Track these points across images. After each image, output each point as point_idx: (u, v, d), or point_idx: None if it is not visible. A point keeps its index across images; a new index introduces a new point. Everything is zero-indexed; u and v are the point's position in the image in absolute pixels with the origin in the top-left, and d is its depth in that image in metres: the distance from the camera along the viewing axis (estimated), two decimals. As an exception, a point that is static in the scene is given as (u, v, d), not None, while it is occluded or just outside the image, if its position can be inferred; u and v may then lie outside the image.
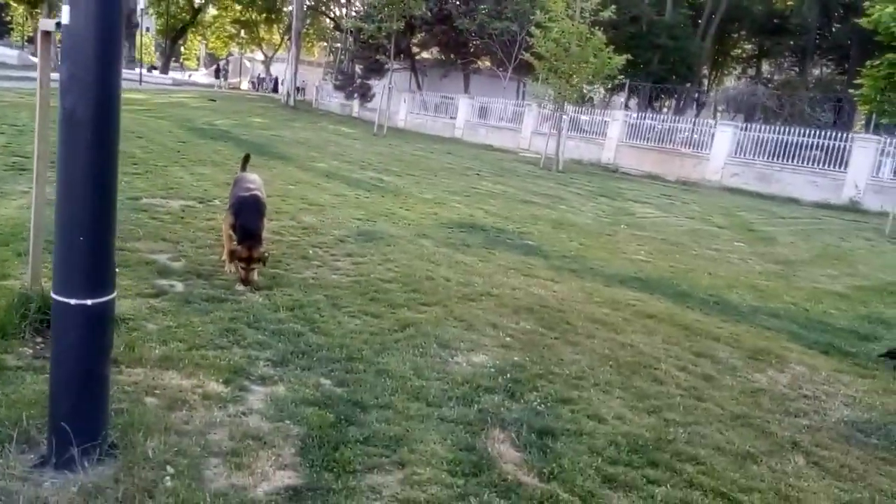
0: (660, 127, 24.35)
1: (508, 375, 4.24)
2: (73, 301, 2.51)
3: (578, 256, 8.49)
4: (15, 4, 44.58)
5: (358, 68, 32.37)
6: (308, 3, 42.45)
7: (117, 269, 5.30)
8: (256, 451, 3.00)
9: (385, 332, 4.73)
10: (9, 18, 52.03)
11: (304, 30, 44.12)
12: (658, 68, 33.45)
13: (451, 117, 30.92)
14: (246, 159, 6.67)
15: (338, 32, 39.03)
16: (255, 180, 6.06)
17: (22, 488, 2.48)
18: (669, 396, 4.28)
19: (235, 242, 5.43)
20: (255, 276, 5.40)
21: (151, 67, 51.09)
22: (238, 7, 47.82)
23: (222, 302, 4.94)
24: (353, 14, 32.72)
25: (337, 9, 43.32)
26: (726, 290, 7.57)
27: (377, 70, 30.24)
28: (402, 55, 32.58)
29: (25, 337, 3.86)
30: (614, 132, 24.99)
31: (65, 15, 2.39)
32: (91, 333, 2.58)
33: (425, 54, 34.77)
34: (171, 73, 50.00)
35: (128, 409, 3.08)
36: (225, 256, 5.75)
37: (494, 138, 28.48)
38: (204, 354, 3.96)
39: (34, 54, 43.94)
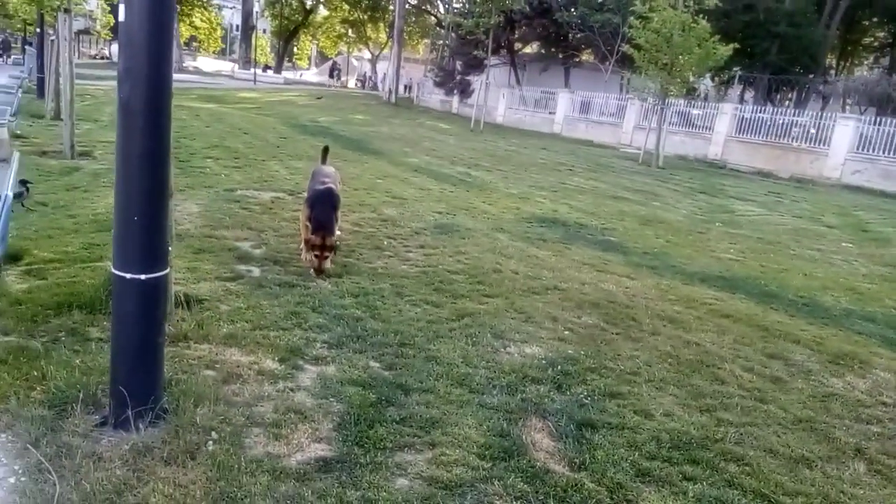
0: (773, 120, 22.91)
1: (559, 368, 4.23)
2: (128, 276, 2.78)
3: (661, 253, 8.23)
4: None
5: (458, 64, 32.69)
6: (412, 1, 43.32)
7: (203, 254, 5.76)
8: (296, 424, 3.18)
9: (442, 321, 4.83)
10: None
11: (409, 27, 45.06)
12: (777, 59, 31.38)
13: (550, 112, 30.55)
14: (325, 151, 6.98)
15: (440, 29, 39.58)
16: (330, 173, 6.35)
17: (82, 444, 2.78)
18: (728, 396, 4.10)
19: (311, 232, 5.72)
20: (327, 264, 5.66)
21: (266, 67, 53.98)
22: (346, 7, 49.53)
23: (293, 287, 5.21)
24: (455, 10, 33.06)
25: (441, 5, 43.88)
26: (820, 291, 7.09)
27: (476, 66, 30.36)
28: (501, 50, 32.56)
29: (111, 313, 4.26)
30: (722, 126, 23.76)
31: (121, 12, 2.63)
32: (145, 306, 2.84)
33: (525, 49, 34.57)
34: (284, 73, 52.52)
35: (185, 379, 3.35)
36: (301, 245, 6.06)
37: (594, 134, 27.87)
38: (266, 334, 4.22)
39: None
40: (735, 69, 31.26)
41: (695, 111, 25.02)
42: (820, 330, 5.76)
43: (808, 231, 11.33)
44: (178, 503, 2.51)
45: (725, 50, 17.93)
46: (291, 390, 3.55)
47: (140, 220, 2.75)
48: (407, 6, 41.96)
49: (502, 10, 25.44)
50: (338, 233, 6.98)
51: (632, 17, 18.89)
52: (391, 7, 39.85)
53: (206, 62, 57.76)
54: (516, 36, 31.49)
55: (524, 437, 3.34)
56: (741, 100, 32.72)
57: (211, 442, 2.91)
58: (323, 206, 5.84)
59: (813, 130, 21.74)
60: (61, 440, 2.79)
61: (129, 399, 2.86)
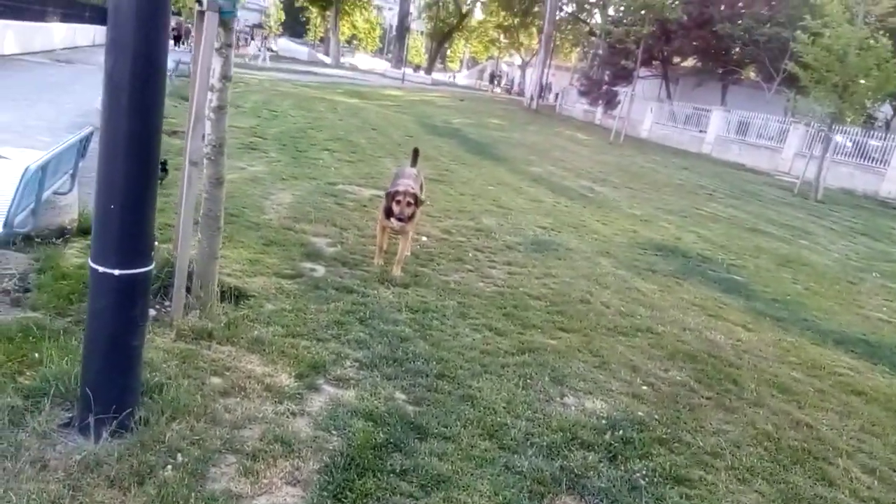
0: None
1: (620, 433, 3.51)
2: (101, 269, 2.49)
3: (794, 302, 7.06)
4: (310, 6, 51.20)
5: (606, 74, 31.39)
6: (568, 10, 42.31)
7: (272, 247, 5.55)
8: (276, 459, 2.76)
9: (498, 354, 4.25)
10: (305, 19, 59.94)
11: (561, 35, 44.10)
12: (979, 88, 27.25)
13: (700, 131, 28.49)
14: (415, 153, 6.62)
15: (593, 38, 38.35)
16: (412, 174, 5.96)
17: (34, 445, 2.53)
18: (834, 506, 3.20)
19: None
20: (408, 211, 5.28)
21: (417, 67, 55.25)
22: (502, 12, 49.42)
23: (350, 293, 4.85)
24: (608, 17, 31.75)
25: (599, 14, 42.52)
26: None
27: (625, 77, 28.93)
28: (653, 62, 30.84)
29: (155, 297, 4.09)
30: (901, 161, 20.89)
31: (110, -24, 2.34)
32: (117, 304, 2.55)
33: (681, 62, 32.53)
34: (434, 74, 53.47)
35: (175, 385, 3.04)
36: (376, 248, 5.71)
37: (748, 157, 25.60)
38: (296, 343, 3.87)
39: (323, 52, 49.48)
40: (926, 98, 27.51)
41: (873, 142, 22.17)
42: None
43: None
44: (97, 540, 2.16)
45: (909, 74, 15.58)
46: (293, 414, 3.14)
47: (118, 209, 2.45)
48: (561, 14, 41.04)
49: (657, 18, 23.95)
50: (423, 239, 6.62)
51: (798, 32, 16.95)
52: (544, 13, 39.07)
53: (363, 60, 60.11)
54: (671, 48, 29.63)
55: (545, 519, 2.71)
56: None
57: (170, 466, 2.56)
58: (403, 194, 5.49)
59: None
60: (16, 437, 2.56)
61: (94, 404, 2.58)
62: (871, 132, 22.49)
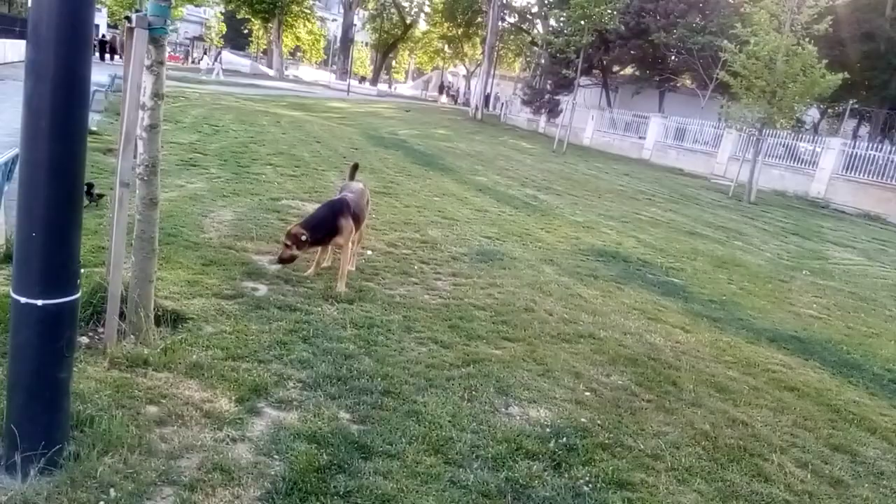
0: (887, 159, 20.84)
1: (564, 440, 3.56)
2: (22, 300, 2.40)
3: (729, 303, 7.30)
4: (252, 18, 50.54)
5: (548, 84, 31.99)
6: (510, 20, 42.98)
7: (212, 267, 5.44)
8: (215, 488, 2.70)
9: (443, 367, 4.26)
10: (247, 31, 59.07)
11: (504, 45, 44.73)
12: (898, 92, 28.81)
13: (640, 137, 29.31)
14: (354, 168, 6.60)
15: (535, 48, 39.04)
16: (358, 189, 5.97)
17: (-45, 487, 2.41)
18: (769, 500, 3.31)
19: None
20: (285, 254, 5.36)
21: (362, 79, 55.15)
22: (445, 24, 49.83)
23: (293, 311, 4.79)
24: (549, 28, 32.38)
25: (541, 24, 43.33)
26: (916, 366, 6.00)
27: (566, 86, 29.53)
28: (593, 71, 31.60)
29: (88, 324, 3.96)
30: (827, 162, 21.88)
31: (30, -2, 2.27)
32: (41, 336, 2.45)
33: (620, 71, 33.41)
34: (379, 86, 53.47)
35: (108, 417, 2.94)
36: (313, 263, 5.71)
37: (686, 162, 26.45)
38: (237, 366, 3.79)
39: (266, 65, 49.01)
40: (851, 101, 29.01)
41: (802, 144, 23.19)
42: (908, 417, 4.77)
43: (914, 288, 9.94)
44: (22, 585, 2.07)
45: (833, 79, 16.38)
46: (233, 440, 3.08)
47: (41, 237, 2.37)
48: (505, 24, 41.66)
49: (596, 29, 24.55)
50: (368, 253, 6.60)
51: (725, 42, 17.65)
52: (487, 24, 39.61)
53: (308, 72, 59.68)
54: (610, 57, 30.41)
55: (490, 532, 2.73)
56: (855, 135, 30.30)
57: (102, 503, 2.47)
58: (325, 210, 5.51)
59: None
60: (-64, 482, 2.44)
61: (20, 440, 2.48)
62: (801, 135, 23.55)
